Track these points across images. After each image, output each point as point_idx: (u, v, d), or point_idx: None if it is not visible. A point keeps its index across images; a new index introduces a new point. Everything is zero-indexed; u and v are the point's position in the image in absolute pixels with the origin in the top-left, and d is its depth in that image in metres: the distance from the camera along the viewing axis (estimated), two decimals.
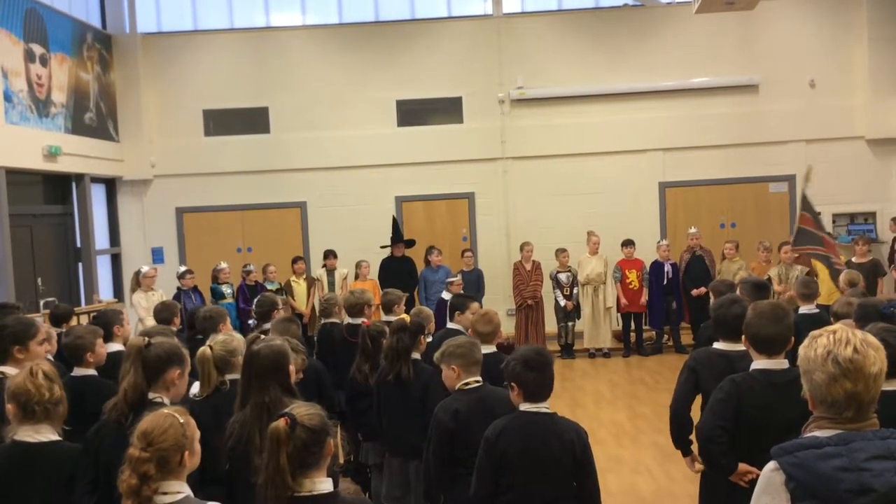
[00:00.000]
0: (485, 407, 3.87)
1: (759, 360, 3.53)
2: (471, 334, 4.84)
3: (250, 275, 10.83)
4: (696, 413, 4.06)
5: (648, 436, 7.66)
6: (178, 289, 10.18)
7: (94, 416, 3.46)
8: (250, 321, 7.31)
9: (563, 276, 11.41)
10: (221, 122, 12.84)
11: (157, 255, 12.68)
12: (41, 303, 9.77)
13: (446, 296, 9.48)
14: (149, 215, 12.79)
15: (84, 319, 7.89)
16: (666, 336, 11.70)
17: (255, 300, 6.65)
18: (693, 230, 11.46)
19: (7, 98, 9.50)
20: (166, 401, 3.33)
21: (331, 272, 11.42)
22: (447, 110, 12.81)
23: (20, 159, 9.73)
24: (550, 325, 11.57)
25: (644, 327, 11.67)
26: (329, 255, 11.47)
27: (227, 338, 4.07)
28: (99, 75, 11.98)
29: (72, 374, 4.34)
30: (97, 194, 12.17)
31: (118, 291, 12.41)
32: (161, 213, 12.77)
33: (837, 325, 2.24)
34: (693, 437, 3.92)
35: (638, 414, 8.50)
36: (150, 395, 3.34)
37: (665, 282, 11.33)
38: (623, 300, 11.36)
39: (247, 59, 12.76)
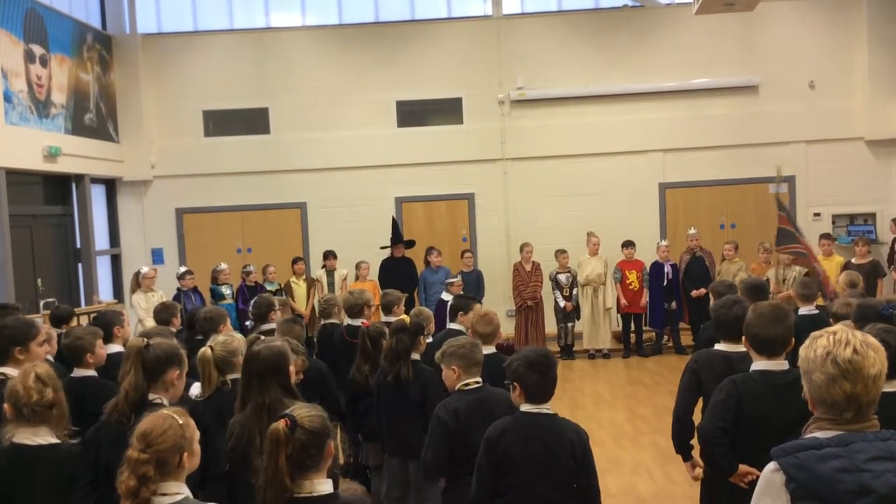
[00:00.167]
0: (484, 408, 3.87)
1: (759, 362, 3.53)
2: (470, 335, 4.84)
3: (250, 275, 10.83)
4: (696, 415, 4.06)
5: (648, 437, 7.66)
6: (178, 289, 10.17)
7: (94, 417, 3.47)
8: (247, 322, 7.31)
9: (562, 277, 11.41)
10: (221, 122, 12.84)
11: (157, 256, 12.69)
12: (41, 303, 9.76)
13: (446, 296, 9.49)
14: (149, 216, 12.79)
15: (84, 320, 7.88)
16: (666, 337, 11.70)
17: (252, 301, 6.65)
18: (693, 231, 11.47)
19: (7, 99, 9.50)
20: (165, 401, 3.34)
21: (330, 273, 11.42)
22: (447, 111, 12.82)
23: (20, 160, 9.73)
24: (550, 326, 11.56)
25: (644, 328, 11.67)
26: (329, 255, 11.47)
27: (228, 338, 4.08)
28: (99, 76, 11.98)
29: (72, 375, 4.34)
30: (97, 195, 12.17)
31: (118, 292, 12.41)
32: (161, 213, 12.78)
33: (838, 327, 2.24)
34: (694, 440, 3.91)
35: (637, 415, 8.50)
36: (150, 396, 3.34)
37: (665, 283, 11.32)
38: (623, 301, 11.36)
39: (247, 60, 12.77)
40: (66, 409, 3.31)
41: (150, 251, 12.71)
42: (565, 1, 13.10)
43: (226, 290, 10.68)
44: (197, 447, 2.61)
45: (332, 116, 12.69)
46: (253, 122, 12.79)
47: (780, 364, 3.50)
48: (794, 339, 3.46)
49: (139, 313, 9.65)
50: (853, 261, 10.19)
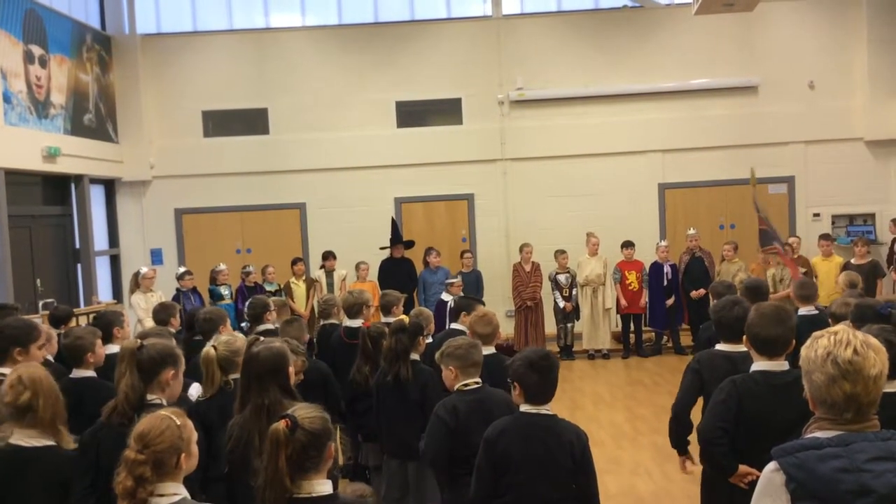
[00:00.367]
0: (483, 408, 3.87)
1: (760, 362, 3.53)
2: (469, 335, 4.84)
3: (249, 276, 10.83)
4: (696, 415, 4.06)
5: (647, 437, 7.66)
6: (177, 290, 10.18)
7: (93, 418, 3.46)
8: (243, 323, 7.30)
9: (562, 278, 11.41)
10: (221, 123, 12.83)
11: (156, 257, 12.68)
12: (40, 304, 9.76)
13: (446, 297, 9.51)
14: (148, 216, 12.79)
15: (83, 321, 7.88)
16: (665, 337, 11.70)
17: (247, 302, 6.64)
18: (692, 231, 11.47)
19: (6, 99, 9.49)
20: (164, 401, 3.33)
21: (329, 273, 11.42)
22: (447, 111, 12.82)
23: (19, 160, 9.72)
24: (550, 326, 11.56)
25: (643, 328, 11.67)
26: (328, 256, 11.47)
27: (231, 338, 4.09)
28: (98, 76, 11.98)
29: (70, 375, 4.34)
30: (96, 195, 12.16)
31: (117, 293, 12.40)
32: (160, 214, 12.77)
33: (839, 327, 2.24)
34: (692, 437, 3.92)
35: (637, 415, 8.50)
36: (148, 397, 3.34)
37: (664, 283, 11.33)
38: (623, 301, 11.36)
39: (246, 60, 12.76)
40: (56, 411, 3.26)
41: (149, 251, 12.71)
42: (565, 1, 13.10)
43: (224, 291, 10.67)
44: (195, 448, 2.60)
45: (332, 117, 12.68)
46: (252, 122, 12.79)
47: (781, 364, 3.50)
48: (794, 341, 3.46)
49: (139, 313, 9.64)
50: (852, 261, 10.20)
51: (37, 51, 10.27)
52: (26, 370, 3.30)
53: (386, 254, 11.50)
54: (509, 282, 11.68)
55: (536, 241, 11.68)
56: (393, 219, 11.88)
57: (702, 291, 10.69)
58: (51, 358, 4.72)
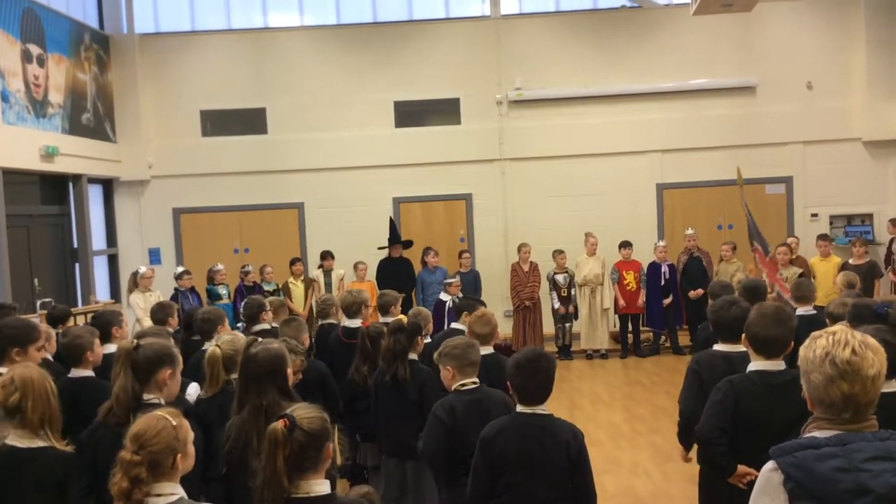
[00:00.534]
0: (480, 409, 3.87)
1: (757, 361, 3.53)
2: (468, 335, 4.84)
3: (248, 275, 10.82)
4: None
5: (646, 437, 7.67)
6: (176, 289, 10.17)
7: (91, 417, 3.45)
8: (239, 323, 7.28)
9: (560, 278, 11.41)
10: (219, 122, 12.82)
11: (155, 256, 12.67)
12: (38, 303, 9.74)
13: (444, 297, 9.51)
14: (146, 216, 12.78)
15: (81, 320, 7.87)
16: (663, 337, 11.70)
17: (243, 303, 6.63)
18: (690, 231, 11.48)
19: (4, 98, 9.48)
20: (161, 401, 3.33)
21: (327, 273, 11.42)
22: (445, 111, 12.81)
23: (17, 159, 9.71)
24: (548, 326, 11.56)
25: (641, 328, 11.68)
26: (326, 256, 11.46)
27: (234, 337, 4.09)
28: (96, 76, 11.96)
29: (69, 375, 4.33)
30: (94, 195, 12.15)
31: (115, 292, 12.39)
32: (158, 213, 12.76)
33: (837, 327, 2.24)
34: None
35: (635, 415, 8.50)
36: (146, 397, 3.33)
37: (662, 283, 11.33)
38: (621, 301, 11.36)
39: (244, 60, 12.75)
40: (47, 413, 3.24)
41: (147, 251, 12.70)
42: (563, 1, 13.11)
43: (222, 291, 10.66)
44: (191, 448, 2.60)
45: (330, 117, 12.68)
46: (251, 122, 12.78)
47: (777, 364, 3.50)
48: (793, 342, 3.46)
49: (137, 313, 9.63)
50: (850, 261, 10.21)
51: (35, 50, 10.26)
52: (19, 371, 3.29)
53: (384, 254, 11.50)
54: (507, 282, 11.68)
55: (535, 241, 11.67)
56: (391, 218, 11.87)
57: (700, 291, 10.70)
58: (50, 357, 4.71)
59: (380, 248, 11.53)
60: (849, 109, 12.45)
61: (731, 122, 12.48)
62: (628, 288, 11.37)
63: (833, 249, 11.05)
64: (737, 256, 11.11)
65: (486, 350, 4.79)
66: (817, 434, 2.13)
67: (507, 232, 12.75)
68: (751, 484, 2.63)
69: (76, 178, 11.28)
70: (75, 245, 11.35)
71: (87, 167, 11.43)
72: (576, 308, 11.46)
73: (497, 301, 11.84)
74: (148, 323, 7.72)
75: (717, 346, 4.17)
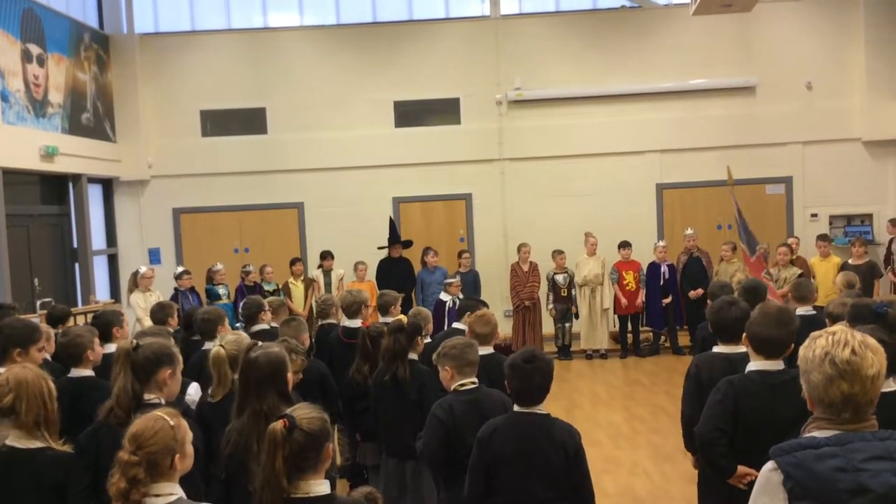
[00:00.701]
0: (479, 409, 3.88)
1: (756, 361, 3.53)
2: (468, 335, 4.84)
3: (249, 275, 10.82)
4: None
5: (645, 437, 7.67)
6: (175, 289, 10.17)
7: (92, 417, 3.45)
8: (237, 324, 7.28)
9: (559, 278, 11.41)
10: (219, 122, 12.82)
11: (154, 256, 12.67)
12: (38, 303, 9.74)
13: (444, 297, 9.51)
14: (146, 216, 12.78)
15: (81, 320, 7.87)
16: (663, 337, 11.71)
17: (242, 303, 6.62)
18: (690, 231, 11.48)
19: (4, 98, 9.48)
20: (162, 401, 3.33)
21: (327, 273, 11.42)
22: (445, 111, 12.82)
23: (17, 159, 9.71)
24: (548, 326, 11.56)
25: (641, 328, 11.68)
26: (326, 255, 11.47)
27: (237, 337, 4.08)
28: (96, 75, 11.96)
29: (69, 375, 4.33)
30: (94, 195, 12.14)
31: (115, 292, 12.39)
32: (158, 213, 12.76)
33: (837, 327, 2.24)
34: None
35: (635, 415, 8.51)
36: (146, 397, 3.33)
37: (661, 283, 11.34)
38: (623, 301, 11.35)
39: (244, 60, 12.75)
40: (42, 415, 3.22)
41: (147, 251, 12.70)
42: (563, 1, 13.11)
43: (221, 291, 10.66)
44: (190, 448, 2.60)
45: (330, 116, 12.68)
46: (250, 122, 12.78)
47: (777, 364, 3.50)
48: (794, 344, 3.46)
49: (138, 313, 9.62)
50: (850, 261, 10.21)
51: (35, 50, 10.26)
52: (14, 372, 3.28)
53: (384, 253, 11.50)
54: (507, 282, 11.68)
55: (534, 241, 11.67)
56: (391, 218, 11.88)
57: (700, 291, 10.69)
58: (48, 357, 4.71)
59: (380, 248, 11.53)
60: (848, 109, 12.46)
61: (730, 123, 12.49)
62: (627, 288, 11.37)
63: (833, 249, 11.06)
64: (737, 257, 11.08)
65: (487, 350, 4.80)
66: (817, 434, 2.14)
67: (507, 232, 12.76)
68: (751, 484, 2.63)
69: (76, 177, 11.28)
70: (75, 245, 11.35)
71: (87, 167, 11.43)
72: (576, 308, 11.46)
73: (497, 301, 11.83)
74: (148, 323, 7.72)
75: (717, 348, 4.14)
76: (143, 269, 10.09)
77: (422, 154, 12.65)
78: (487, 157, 12.72)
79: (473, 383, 4.04)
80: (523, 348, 3.67)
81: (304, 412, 2.53)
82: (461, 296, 9.21)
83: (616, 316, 11.63)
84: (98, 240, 12.17)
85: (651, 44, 12.61)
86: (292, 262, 11.37)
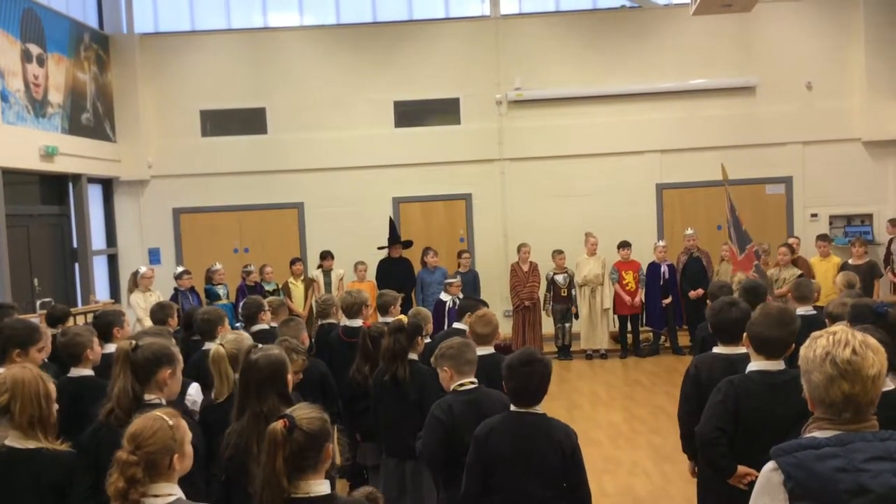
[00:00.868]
0: (478, 409, 3.87)
1: (757, 361, 3.53)
2: (469, 335, 4.84)
3: (250, 275, 10.81)
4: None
5: (645, 437, 7.67)
6: (175, 289, 10.16)
7: (92, 416, 3.45)
8: (237, 324, 7.28)
9: (559, 278, 11.41)
10: (219, 122, 12.82)
11: (154, 256, 12.67)
12: (37, 303, 9.74)
13: (444, 297, 9.50)
14: (146, 216, 12.78)
15: (81, 320, 7.87)
16: (663, 337, 11.71)
17: (241, 303, 6.62)
18: (690, 231, 11.48)
19: (4, 98, 9.48)
20: (163, 401, 3.33)
21: (327, 273, 11.42)
22: (444, 111, 12.82)
23: (17, 159, 9.71)
24: (548, 326, 11.56)
25: (641, 328, 11.68)
26: (325, 255, 11.47)
27: (237, 336, 4.08)
28: (96, 75, 11.96)
29: (69, 374, 4.33)
30: (94, 195, 12.14)
31: (115, 292, 12.39)
32: (158, 213, 12.76)
33: (837, 327, 2.24)
34: None
35: (634, 415, 8.50)
36: (146, 397, 3.33)
37: (661, 283, 11.33)
38: (626, 299, 11.35)
39: (244, 60, 12.75)
40: (37, 415, 3.21)
41: (147, 251, 12.70)
42: (563, 1, 13.11)
43: (221, 291, 10.66)
44: (188, 449, 2.59)
45: (330, 116, 12.68)
46: (250, 122, 12.78)
47: (777, 364, 3.50)
48: (794, 345, 3.45)
49: (138, 313, 9.61)
50: (850, 262, 10.21)
51: (34, 50, 10.26)
52: (12, 372, 3.28)
53: (384, 254, 11.50)
54: (507, 282, 11.68)
55: (534, 241, 11.66)
56: (391, 218, 11.88)
57: (700, 291, 10.68)
58: (45, 358, 4.70)
59: (379, 248, 11.53)
60: (848, 109, 12.46)
61: (730, 123, 12.49)
62: (627, 288, 11.37)
63: (833, 249, 11.06)
64: None
65: (487, 350, 4.80)
66: (818, 434, 2.14)
67: (507, 232, 12.75)
68: (751, 485, 2.63)
69: (76, 177, 11.28)
70: (75, 245, 11.35)
71: (87, 167, 11.43)
72: (576, 308, 11.46)
73: (497, 301, 11.82)
74: (148, 323, 7.72)
75: (718, 349, 4.12)
76: (142, 269, 10.09)
77: (422, 154, 12.65)
78: (487, 157, 12.72)
79: (473, 383, 4.04)
80: (521, 350, 3.67)
81: (304, 412, 2.52)
82: (461, 296, 9.20)
83: (616, 316, 11.63)
84: (98, 240, 12.17)
85: (651, 44, 12.61)
86: (292, 262, 11.36)
